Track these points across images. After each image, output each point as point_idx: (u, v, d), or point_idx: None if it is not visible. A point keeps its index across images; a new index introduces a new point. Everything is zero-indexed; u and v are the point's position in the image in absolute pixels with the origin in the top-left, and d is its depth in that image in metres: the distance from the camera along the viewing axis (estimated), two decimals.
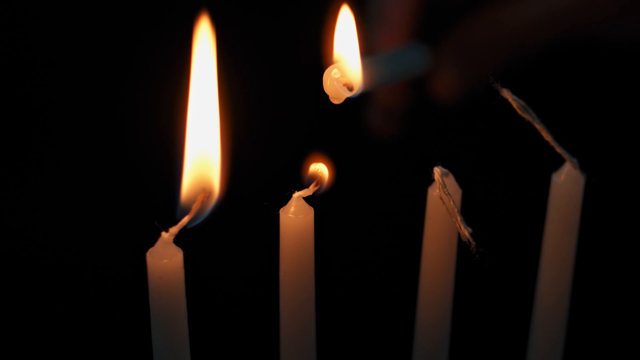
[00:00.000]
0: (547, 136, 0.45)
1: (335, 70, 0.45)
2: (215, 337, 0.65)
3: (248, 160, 0.60)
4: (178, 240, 0.41)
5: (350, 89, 0.45)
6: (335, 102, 0.45)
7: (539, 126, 0.45)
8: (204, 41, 0.39)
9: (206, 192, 0.40)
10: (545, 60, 0.72)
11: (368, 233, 0.73)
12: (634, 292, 0.71)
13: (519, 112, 0.45)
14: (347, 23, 0.45)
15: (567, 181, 0.47)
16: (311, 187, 0.44)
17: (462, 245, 0.45)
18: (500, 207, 0.72)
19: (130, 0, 0.74)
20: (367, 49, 0.51)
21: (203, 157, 0.40)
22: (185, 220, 0.41)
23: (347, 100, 0.45)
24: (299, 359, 0.47)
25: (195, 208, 0.40)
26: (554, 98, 0.77)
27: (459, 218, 0.44)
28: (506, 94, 0.45)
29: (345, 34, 0.45)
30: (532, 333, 0.51)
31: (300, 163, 0.43)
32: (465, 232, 0.44)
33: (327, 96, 0.45)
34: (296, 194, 0.43)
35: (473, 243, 0.44)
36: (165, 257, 0.42)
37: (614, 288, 0.71)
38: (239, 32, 0.72)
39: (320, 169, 0.43)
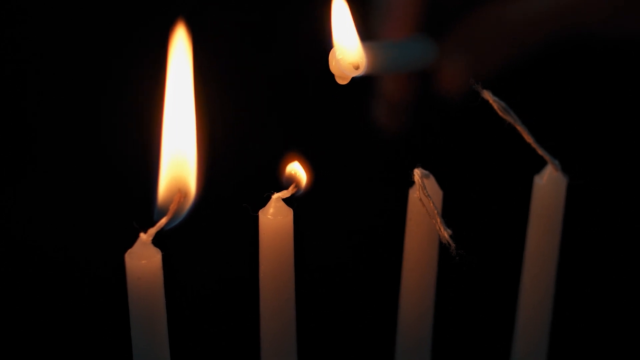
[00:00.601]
0: (528, 138, 0.45)
1: (340, 51, 0.45)
2: (195, 338, 0.65)
3: (226, 161, 0.60)
4: (157, 241, 0.41)
5: (356, 67, 0.45)
6: (341, 82, 0.45)
7: (520, 128, 0.45)
8: (181, 44, 0.39)
9: (182, 193, 0.40)
10: (547, 56, 0.72)
11: (349, 234, 0.73)
12: (617, 293, 0.71)
13: (500, 113, 0.45)
14: (342, 8, 0.45)
15: (549, 183, 0.47)
16: (290, 188, 0.44)
17: (443, 246, 0.45)
18: (484, 209, 0.72)
19: (113, 6, 0.74)
20: (370, 37, 0.51)
21: (179, 158, 0.40)
22: (163, 221, 0.41)
23: (352, 80, 0.45)
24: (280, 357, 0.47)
25: (172, 209, 0.40)
26: (552, 96, 0.77)
27: (438, 220, 0.44)
28: (487, 95, 0.44)
29: (341, 18, 0.45)
30: (515, 335, 0.51)
31: (278, 164, 0.43)
32: (445, 233, 0.44)
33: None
34: (275, 196, 0.43)
35: (452, 245, 0.43)
36: (143, 258, 0.42)
37: (597, 289, 0.71)
38: (217, 33, 0.72)
39: (297, 169, 0.43)
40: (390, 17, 0.68)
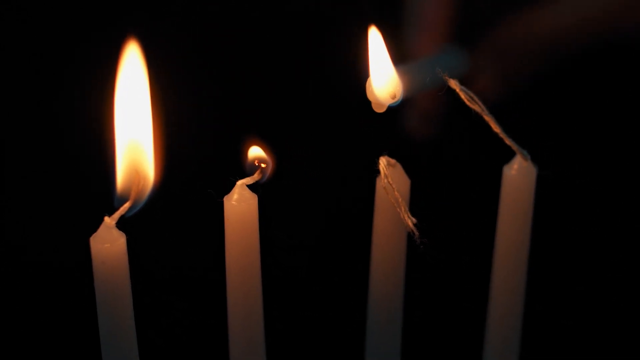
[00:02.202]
0: (496, 127, 0.45)
1: (377, 80, 0.45)
2: (162, 322, 0.66)
3: (189, 147, 0.60)
4: (125, 228, 0.42)
5: (393, 97, 0.45)
6: (379, 109, 0.45)
7: (487, 117, 0.45)
8: (135, 40, 0.40)
9: (141, 179, 0.40)
10: (581, 63, 0.73)
11: (318, 220, 0.73)
12: (589, 283, 0.71)
13: (467, 103, 0.45)
14: (376, 40, 0.46)
15: (518, 173, 0.46)
16: (255, 174, 0.44)
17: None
18: (454, 200, 0.72)
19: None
20: (403, 55, 0.52)
21: (135, 146, 0.40)
22: (125, 206, 0.41)
23: (388, 108, 0.46)
24: (248, 346, 0.47)
25: (133, 195, 0.41)
26: (588, 101, 0.77)
27: (402, 208, 0.44)
28: (453, 84, 0.44)
29: (377, 46, 0.46)
30: (488, 326, 0.51)
31: (241, 149, 0.43)
32: (409, 222, 0.44)
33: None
34: (239, 182, 0.44)
35: (417, 233, 0.44)
36: (107, 242, 0.42)
37: (568, 279, 0.71)
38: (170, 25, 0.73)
39: (261, 155, 0.43)
40: (422, 29, 0.69)
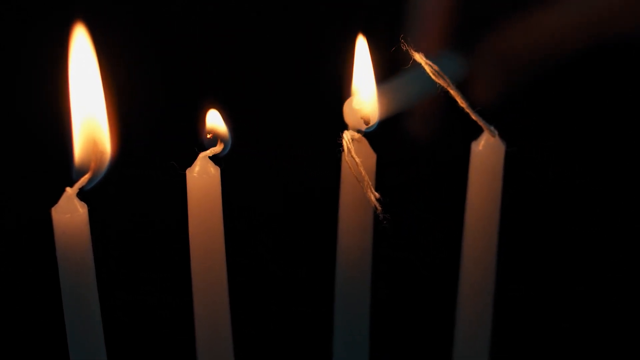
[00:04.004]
0: (462, 102, 0.45)
1: (355, 102, 0.45)
2: (126, 294, 0.66)
3: (146, 118, 0.60)
4: (89, 199, 0.42)
5: (367, 122, 0.45)
6: (355, 132, 0.45)
7: (453, 92, 0.45)
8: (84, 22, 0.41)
9: (98, 151, 0.41)
10: (581, 64, 0.72)
11: (285, 192, 0.73)
12: (559, 262, 0.71)
13: (433, 77, 0.44)
14: (362, 55, 0.45)
15: (485, 149, 0.46)
16: (217, 146, 0.44)
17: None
18: (424, 176, 0.72)
19: None
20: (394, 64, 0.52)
21: (91, 120, 0.40)
22: (85, 177, 0.42)
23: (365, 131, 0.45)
24: (213, 323, 0.47)
25: (92, 167, 0.41)
26: (589, 101, 0.77)
27: (365, 182, 0.44)
28: (419, 57, 0.44)
29: (361, 66, 0.45)
30: (458, 303, 0.51)
31: (198, 118, 0.43)
32: (372, 197, 0.44)
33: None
34: (201, 154, 0.43)
35: (379, 208, 0.43)
36: (68, 212, 0.42)
37: (539, 258, 0.71)
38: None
39: (219, 125, 0.43)
40: (421, 33, 0.69)
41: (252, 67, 0.76)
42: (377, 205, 0.43)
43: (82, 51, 0.40)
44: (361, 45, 0.45)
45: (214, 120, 0.42)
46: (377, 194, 0.44)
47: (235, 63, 0.75)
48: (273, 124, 0.74)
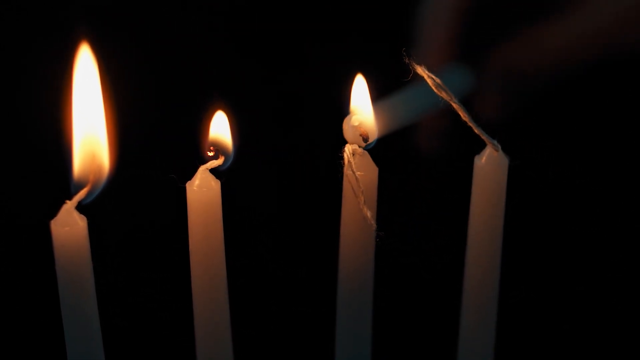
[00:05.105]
0: (465, 116, 0.44)
1: (353, 119, 0.45)
2: (126, 305, 0.66)
3: (144, 132, 0.60)
4: (92, 213, 0.42)
5: (366, 139, 0.45)
6: (355, 148, 0.45)
7: (456, 105, 0.44)
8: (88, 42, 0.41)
9: (97, 165, 0.41)
10: (587, 78, 0.72)
11: (285, 195, 0.73)
12: (563, 274, 0.70)
13: (435, 90, 0.44)
14: (360, 85, 0.45)
15: (488, 164, 0.46)
16: (218, 160, 0.43)
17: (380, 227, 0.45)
18: (428, 190, 0.72)
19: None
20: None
21: (90, 137, 0.41)
22: (84, 190, 0.41)
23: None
24: (213, 333, 0.47)
25: (90, 181, 0.41)
26: (597, 115, 0.77)
27: (362, 198, 0.44)
28: (420, 70, 0.44)
29: (359, 91, 0.45)
30: (461, 317, 0.50)
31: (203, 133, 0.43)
32: (367, 213, 0.43)
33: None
34: (202, 167, 0.43)
35: (374, 225, 0.43)
36: (67, 225, 0.42)
37: (543, 271, 0.71)
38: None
39: (222, 135, 0.43)
40: (428, 47, 0.69)
41: (253, 69, 0.76)
42: (371, 221, 0.43)
43: (85, 67, 0.40)
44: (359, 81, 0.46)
45: (218, 131, 0.42)
46: (370, 211, 0.44)
47: (237, 74, 0.75)
48: (273, 124, 0.74)
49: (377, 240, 0.42)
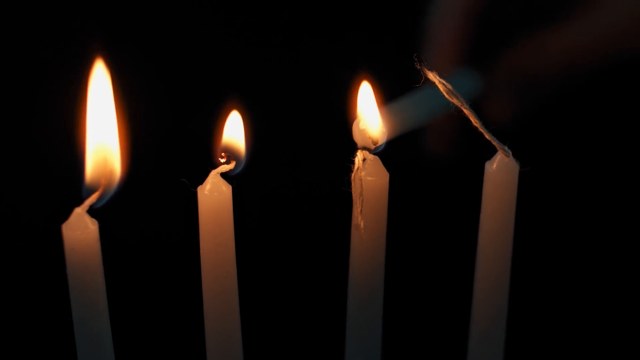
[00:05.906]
0: (476, 122, 0.44)
1: (362, 123, 0.45)
2: (136, 309, 0.66)
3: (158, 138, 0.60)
4: (103, 218, 0.42)
5: (375, 142, 0.45)
6: (365, 151, 0.45)
7: (467, 111, 0.44)
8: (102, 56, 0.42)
9: (108, 170, 0.41)
10: (597, 82, 0.72)
11: (298, 208, 0.73)
12: (573, 279, 0.70)
13: (447, 96, 0.44)
14: (367, 92, 0.46)
15: (499, 169, 0.46)
16: (229, 164, 0.43)
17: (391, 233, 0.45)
18: (440, 196, 0.72)
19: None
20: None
21: (103, 144, 0.41)
22: (95, 195, 0.42)
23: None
24: (224, 339, 0.47)
25: (102, 186, 0.41)
26: (607, 120, 0.76)
27: (359, 205, 0.44)
28: (432, 76, 0.44)
29: (366, 97, 0.46)
30: (472, 323, 0.50)
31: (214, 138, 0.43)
32: (360, 221, 0.44)
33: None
34: (213, 172, 0.43)
35: (363, 231, 0.43)
36: (78, 229, 0.42)
37: (554, 276, 0.70)
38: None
39: (234, 142, 0.43)
40: (437, 51, 0.69)
41: (266, 72, 0.76)
42: (362, 229, 0.43)
43: (99, 80, 0.41)
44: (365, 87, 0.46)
45: (231, 134, 0.42)
46: (362, 221, 0.44)
47: (247, 82, 0.75)
48: (278, 125, 0.74)
49: None
